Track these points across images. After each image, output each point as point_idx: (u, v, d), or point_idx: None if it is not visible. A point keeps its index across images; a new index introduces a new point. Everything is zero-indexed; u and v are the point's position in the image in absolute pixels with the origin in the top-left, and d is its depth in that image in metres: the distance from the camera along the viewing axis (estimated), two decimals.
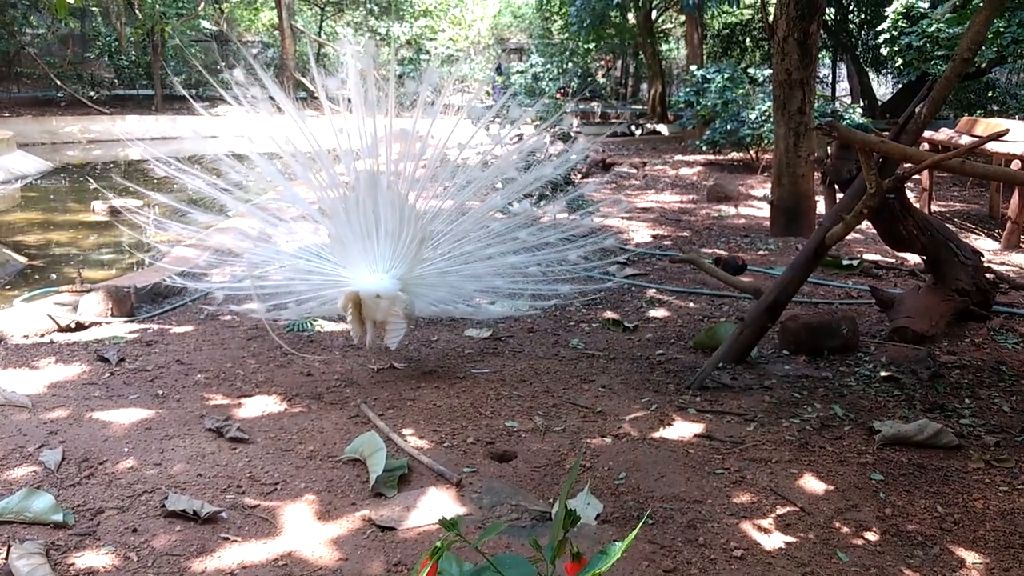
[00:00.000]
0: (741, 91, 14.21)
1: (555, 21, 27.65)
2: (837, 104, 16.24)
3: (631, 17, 24.51)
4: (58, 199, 12.04)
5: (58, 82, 21.42)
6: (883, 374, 4.42)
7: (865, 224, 6.26)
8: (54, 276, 7.06)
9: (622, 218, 9.37)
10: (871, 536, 2.88)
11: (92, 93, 21.80)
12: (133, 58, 24.07)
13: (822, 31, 10.31)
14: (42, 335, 4.90)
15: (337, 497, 3.06)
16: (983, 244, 7.83)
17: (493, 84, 23.61)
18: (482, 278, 4.50)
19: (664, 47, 28.60)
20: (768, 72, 13.81)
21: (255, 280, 4.25)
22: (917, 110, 4.43)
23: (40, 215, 10.39)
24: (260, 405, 3.89)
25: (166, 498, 2.93)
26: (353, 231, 4.14)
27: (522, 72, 25.15)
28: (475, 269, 4.47)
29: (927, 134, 9.03)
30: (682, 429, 3.71)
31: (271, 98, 4.25)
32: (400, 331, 4.12)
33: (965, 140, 8.39)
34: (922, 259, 5.51)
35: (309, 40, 26.24)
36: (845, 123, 9.70)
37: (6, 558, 2.51)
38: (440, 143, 4.39)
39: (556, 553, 1.55)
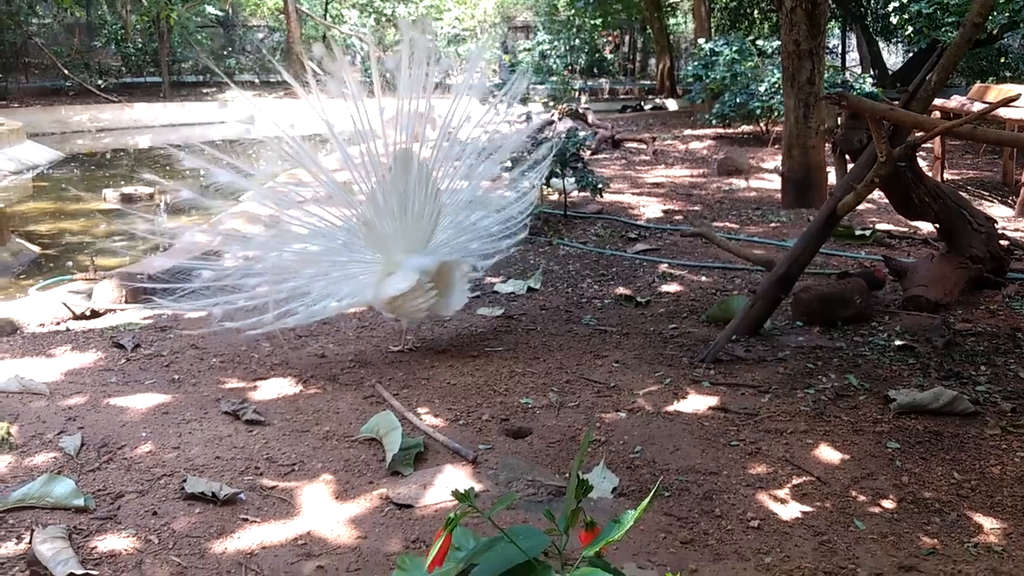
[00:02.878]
0: (750, 63, 14.11)
1: None
2: (847, 74, 16.12)
3: None
4: (69, 188, 12.08)
5: (66, 71, 21.43)
6: (897, 343, 4.40)
7: (877, 194, 6.22)
8: (70, 264, 7.09)
9: (632, 193, 9.34)
10: (888, 504, 2.88)
11: (100, 81, 21.80)
12: (140, 45, 24.06)
13: (830, 0, 10.21)
14: (57, 323, 4.93)
15: (354, 476, 3.08)
16: (997, 211, 7.77)
17: (500, 63, 23.51)
18: (466, 245, 4.58)
19: (671, 21, 28.41)
20: (777, 44, 13.71)
21: (271, 290, 4.10)
22: (928, 77, 4.39)
23: (52, 204, 10.43)
24: (275, 387, 3.91)
25: (185, 481, 2.96)
26: (390, 213, 4.12)
27: (529, 50, 25.06)
28: (461, 238, 4.55)
29: (938, 102, 8.95)
30: (696, 402, 3.71)
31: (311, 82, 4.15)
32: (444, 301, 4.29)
33: (977, 107, 8.31)
34: (935, 227, 5.48)
35: (333, 30, 26.12)
36: (855, 93, 9.62)
37: (30, 543, 2.55)
38: (464, 122, 4.46)
39: (569, 523, 1.56)
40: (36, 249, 7.60)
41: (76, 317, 5.01)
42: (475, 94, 4.45)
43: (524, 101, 8.34)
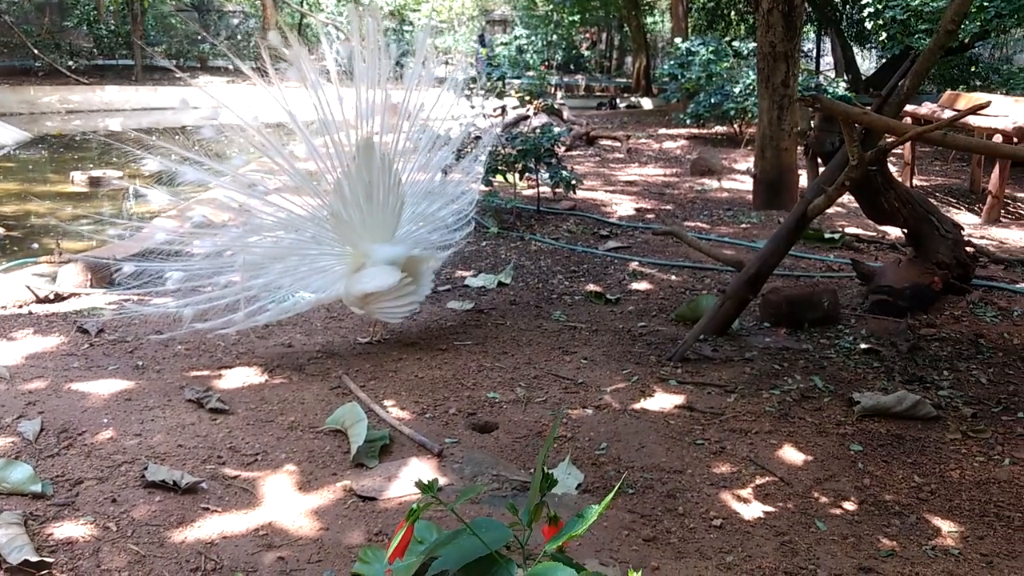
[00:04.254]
0: (726, 64, 14.17)
1: None
2: (821, 78, 16.24)
3: None
4: (36, 169, 11.90)
5: (35, 51, 21.05)
6: (863, 346, 4.44)
7: (847, 198, 6.27)
8: (35, 246, 6.98)
9: (605, 191, 9.35)
10: (849, 505, 2.90)
11: (71, 63, 21.47)
12: (112, 27, 23.73)
13: (807, 4, 10.28)
14: (20, 306, 4.85)
15: (318, 467, 3.06)
16: (964, 218, 7.86)
17: (476, 56, 23.42)
18: (427, 236, 4.60)
19: (649, 20, 28.45)
20: (753, 45, 13.77)
21: (243, 286, 4.04)
22: (900, 83, 4.43)
23: (18, 185, 10.26)
24: (241, 376, 3.87)
25: (146, 469, 2.92)
26: (356, 203, 4.09)
27: (506, 44, 25.01)
28: (422, 229, 4.58)
29: (910, 108, 9.05)
30: (663, 400, 3.72)
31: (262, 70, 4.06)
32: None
33: (947, 114, 8.40)
34: (903, 232, 5.53)
35: (309, 17, 25.90)
36: (828, 96, 9.71)
37: None
38: (428, 115, 4.48)
39: (533, 516, 1.55)
40: (0, 231, 7.48)
41: (40, 300, 4.93)
42: (425, 83, 4.44)
43: (500, 95, 8.32)
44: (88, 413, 3.37)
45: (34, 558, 2.38)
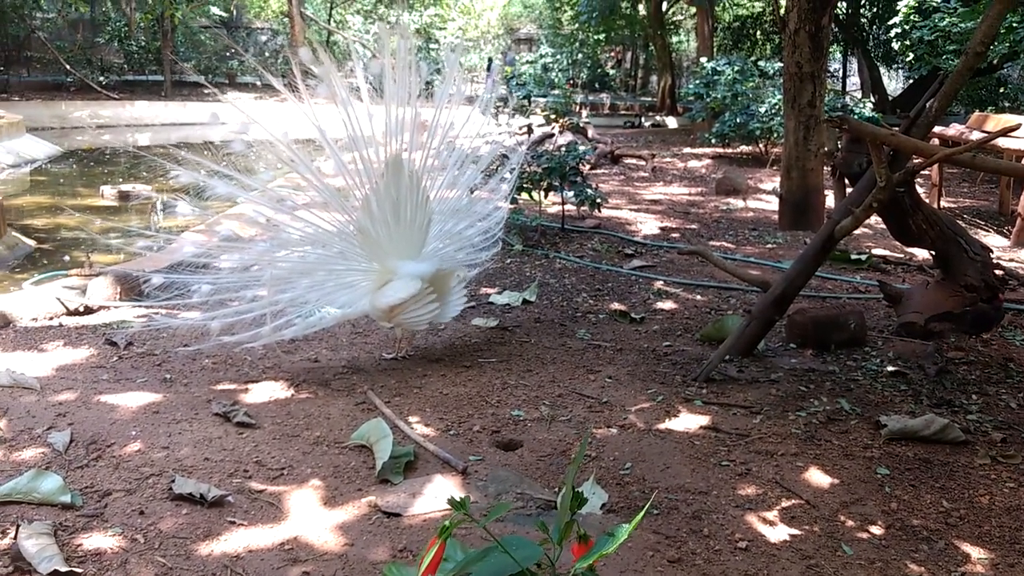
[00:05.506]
0: (751, 84, 14.16)
1: (565, 11, 27.59)
2: (847, 98, 16.20)
3: (641, 8, 24.46)
4: (67, 183, 12.06)
5: (68, 67, 21.40)
6: (890, 369, 4.41)
7: (874, 219, 6.23)
8: (67, 259, 7.06)
9: (630, 209, 9.36)
10: (876, 530, 2.88)
11: (102, 78, 21.79)
12: (143, 43, 24.07)
13: (833, 24, 10.26)
14: (51, 318, 4.91)
15: (343, 483, 3.07)
16: (993, 240, 7.80)
17: (490, 68, 23.37)
18: (454, 255, 4.61)
19: (674, 39, 28.51)
20: (778, 65, 13.78)
21: (268, 299, 4.06)
22: (928, 104, 4.41)
23: (49, 199, 10.41)
24: (267, 391, 3.90)
25: (173, 481, 2.94)
26: (384, 220, 4.12)
27: (532, 62, 25.10)
28: (450, 247, 4.59)
29: (938, 129, 8.99)
30: (688, 421, 3.71)
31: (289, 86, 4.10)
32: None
33: (976, 136, 8.35)
34: (931, 254, 5.49)
35: (336, 35, 26.12)
36: (855, 117, 9.66)
37: (15, 538, 2.53)
38: (456, 133, 4.52)
39: (563, 535, 1.56)
40: (32, 243, 7.58)
41: (70, 313, 4.99)
42: (456, 101, 4.46)
43: (526, 114, 8.36)
44: (117, 425, 3.41)
45: (63, 568, 2.41)
